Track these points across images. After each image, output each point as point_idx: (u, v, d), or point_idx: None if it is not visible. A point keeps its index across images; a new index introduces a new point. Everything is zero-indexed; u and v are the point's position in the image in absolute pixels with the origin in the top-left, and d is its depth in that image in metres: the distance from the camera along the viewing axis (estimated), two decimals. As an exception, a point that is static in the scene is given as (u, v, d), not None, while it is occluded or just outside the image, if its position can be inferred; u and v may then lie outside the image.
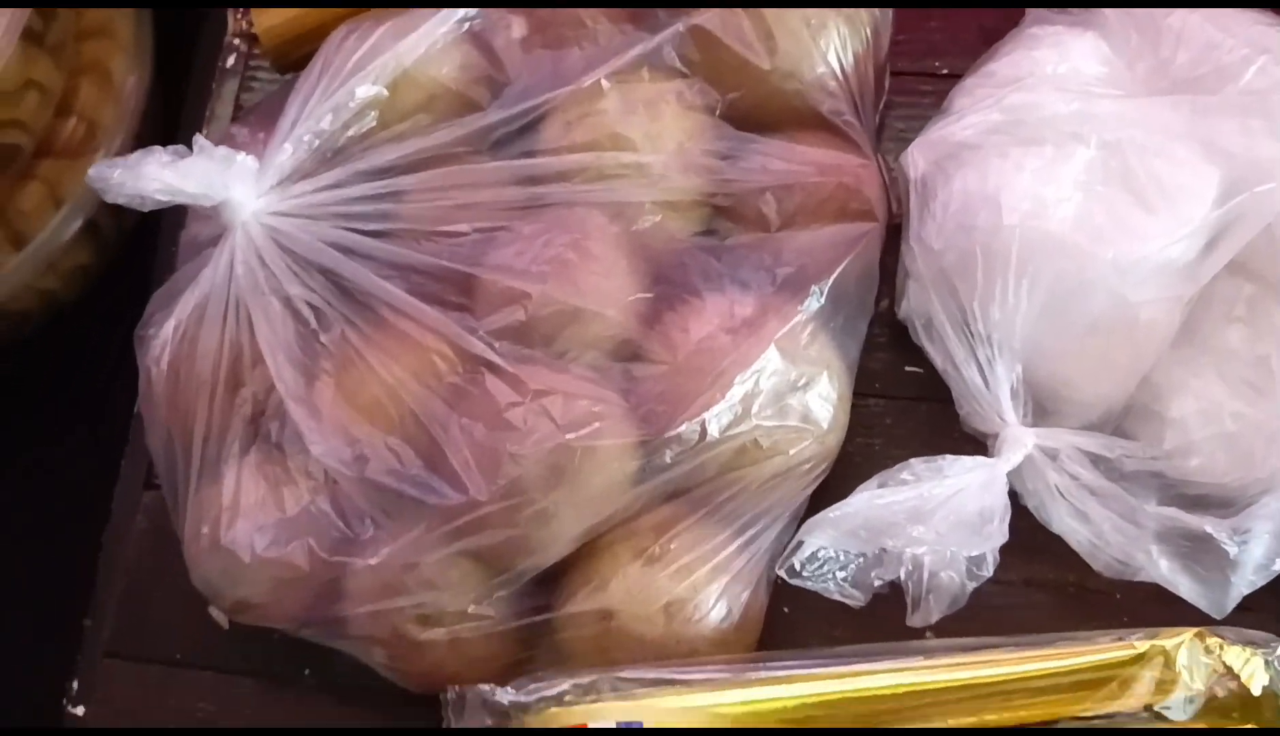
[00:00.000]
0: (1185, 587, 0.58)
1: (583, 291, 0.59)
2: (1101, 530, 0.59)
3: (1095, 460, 0.60)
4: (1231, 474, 0.58)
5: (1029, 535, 0.61)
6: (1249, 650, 0.52)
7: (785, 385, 0.59)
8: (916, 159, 0.62)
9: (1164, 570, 0.58)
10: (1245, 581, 0.56)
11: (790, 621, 0.64)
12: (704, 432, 0.57)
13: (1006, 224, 0.57)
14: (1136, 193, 0.57)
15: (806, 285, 0.61)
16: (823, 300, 0.61)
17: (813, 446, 0.60)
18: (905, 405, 0.67)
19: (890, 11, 0.67)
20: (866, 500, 0.57)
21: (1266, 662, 0.52)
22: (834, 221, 0.62)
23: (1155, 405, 0.61)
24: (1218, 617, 0.57)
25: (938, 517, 0.57)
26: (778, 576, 0.58)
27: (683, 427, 0.57)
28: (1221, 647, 0.52)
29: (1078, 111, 0.58)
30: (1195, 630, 0.53)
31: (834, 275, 0.61)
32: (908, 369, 0.66)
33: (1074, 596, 0.63)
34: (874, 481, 0.59)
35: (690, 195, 0.63)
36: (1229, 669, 0.52)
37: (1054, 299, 0.58)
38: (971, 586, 0.59)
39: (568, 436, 0.56)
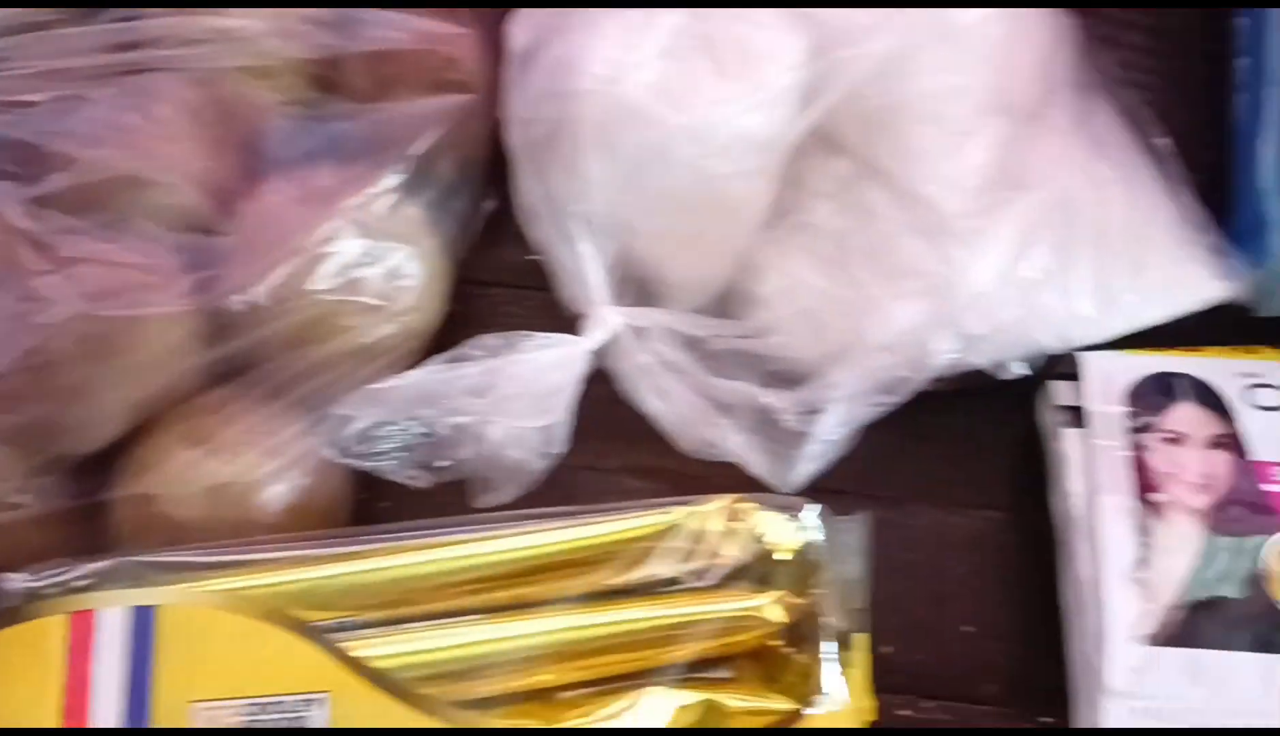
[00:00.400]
0: (756, 463, 0.56)
1: (141, 157, 0.55)
2: (679, 408, 0.56)
3: (689, 342, 0.58)
4: (809, 348, 0.57)
5: (632, 423, 0.59)
6: (780, 516, 0.50)
7: (357, 259, 0.56)
8: (516, 31, 0.59)
9: (736, 446, 0.56)
10: (811, 455, 0.54)
11: (390, 515, 0.60)
12: (260, 305, 0.53)
13: (579, 90, 0.54)
14: (715, 58, 0.55)
15: (390, 157, 0.57)
16: (406, 173, 0.57)
17: (389, 326, 0.57)
18: (524, 295, 0.64)
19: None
20: (425, 374, 0.54)
21: (798, 527, 0.50)
22: (429, 93, 0.58)
23: (750, 285, 0.59)
24: (786, 491, 0.56)
25: (499, 391, 0.54)
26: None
27: (236, 298, 0.54)
28: (752, 514, 0.49)
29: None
30: (732, 497, 0.51)
31: (417, 147, 0.57)
32: (529, 258, 0.63)
33: (670, 481, 0.59)
34: (445, 356, 0.55)
35: (283, 62, 0.60)
36: (758, 536, 0.49)
37: (635, 171, 0.56)
38: (540, 464, 0.56)
39: (102, 306, 0.52)
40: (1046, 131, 0.57)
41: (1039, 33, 0.58)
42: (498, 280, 0.65)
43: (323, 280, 0.55)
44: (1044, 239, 0.55)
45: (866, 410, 0.54)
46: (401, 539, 0.52)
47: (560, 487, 0.57)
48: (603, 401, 0.59)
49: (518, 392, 0.54)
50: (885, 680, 0.53)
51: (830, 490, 0.56)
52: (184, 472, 0.53)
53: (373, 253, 0.56)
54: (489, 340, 0.56)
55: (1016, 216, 0.55)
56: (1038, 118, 0.57)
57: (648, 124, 0.54)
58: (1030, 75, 0.57)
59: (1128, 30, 0.66)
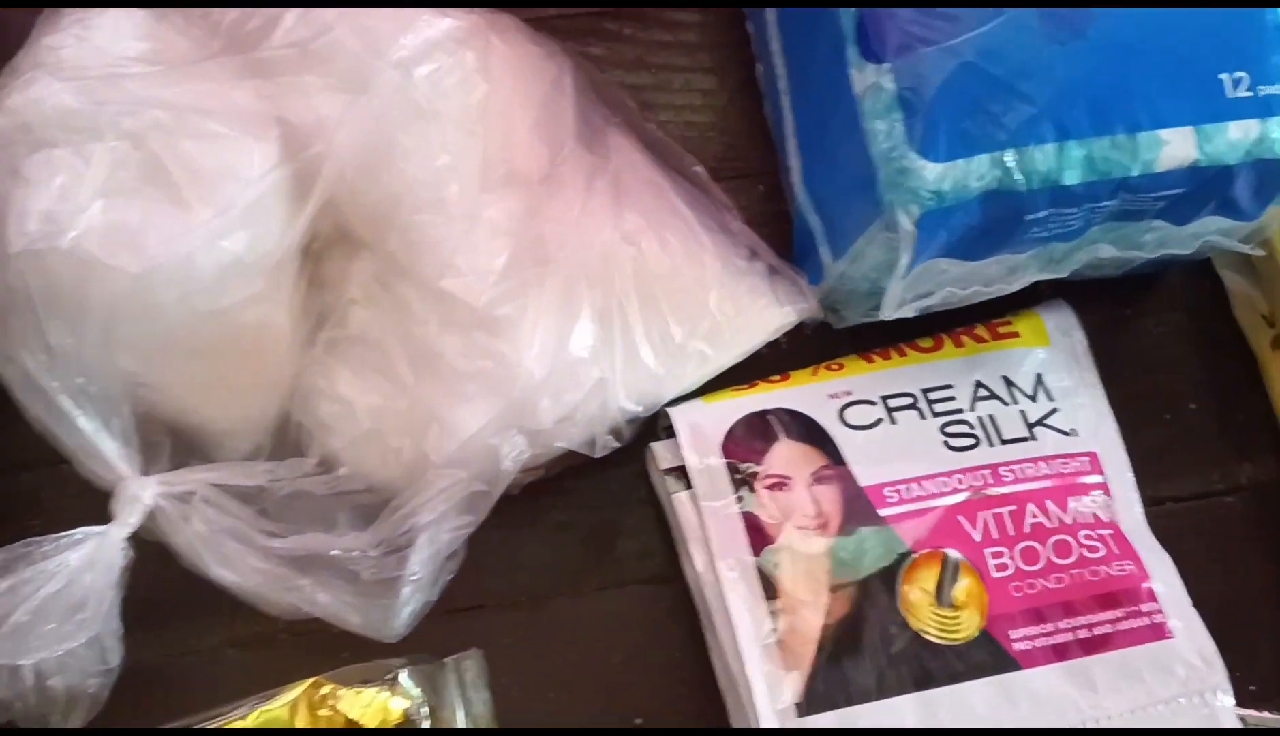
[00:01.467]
0: (353, 621, 0.48)
1: None
2: (248, 575, 0.47)
3: (250, 494, 0.49)
4: (377, 474, 0.49)
5: (220, 592, 0.49)
6: (369, 691, 0.41)
7: None
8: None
9: (324, 605, 0.47)
10: (403, 598, 0.46)
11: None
12: None
13: (13, 252, 0.44)
14: (168, 185, 0.45)
15: None
16: None
17: None
18: (66, 471, 0.53)
19: None
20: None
21: (394, 695, 0.41)
22: None
23: (300, 415, 0.50)
24: (392, 642, 0.47)
25: (15, 618, 0.44)
26: None
27: None
28: (336, 695, 0.41)
29: (92, 102, 0.46)
30: (310, 682, 0.42)
31: None
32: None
33: (290, 645, 0.52)
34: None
35: None
36: (350, 720, 0.41)
37: (111, 326, 0.46)
38: (100, 684, 0.46)
39: None
40: (561, 193, 0.50)
41: (530, 88, 0.51)
42: (27, 461, 0.54)
43: None
44: (582, 311, 0.48)
45: (450, 536, 0.46)
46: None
47: (155, 683, 0.50)
48: (185, 574, 0.49)
49: (39, 615, 0.44)
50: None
51: (464, 608, 0.50)
52: None
53: None
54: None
55: (548, 295, 0.48)
56: (550, 180, 0.50)
57: (105, 276, 0.45)
58: (528, 137, 0.50)
59: (655, 50, 0.61)
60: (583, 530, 0.55)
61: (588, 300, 0.48)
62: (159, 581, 0.49)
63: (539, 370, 0.47)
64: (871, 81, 0.45)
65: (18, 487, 0.55)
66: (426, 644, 0.48)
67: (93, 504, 0.50)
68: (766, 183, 0.59)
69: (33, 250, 0.44)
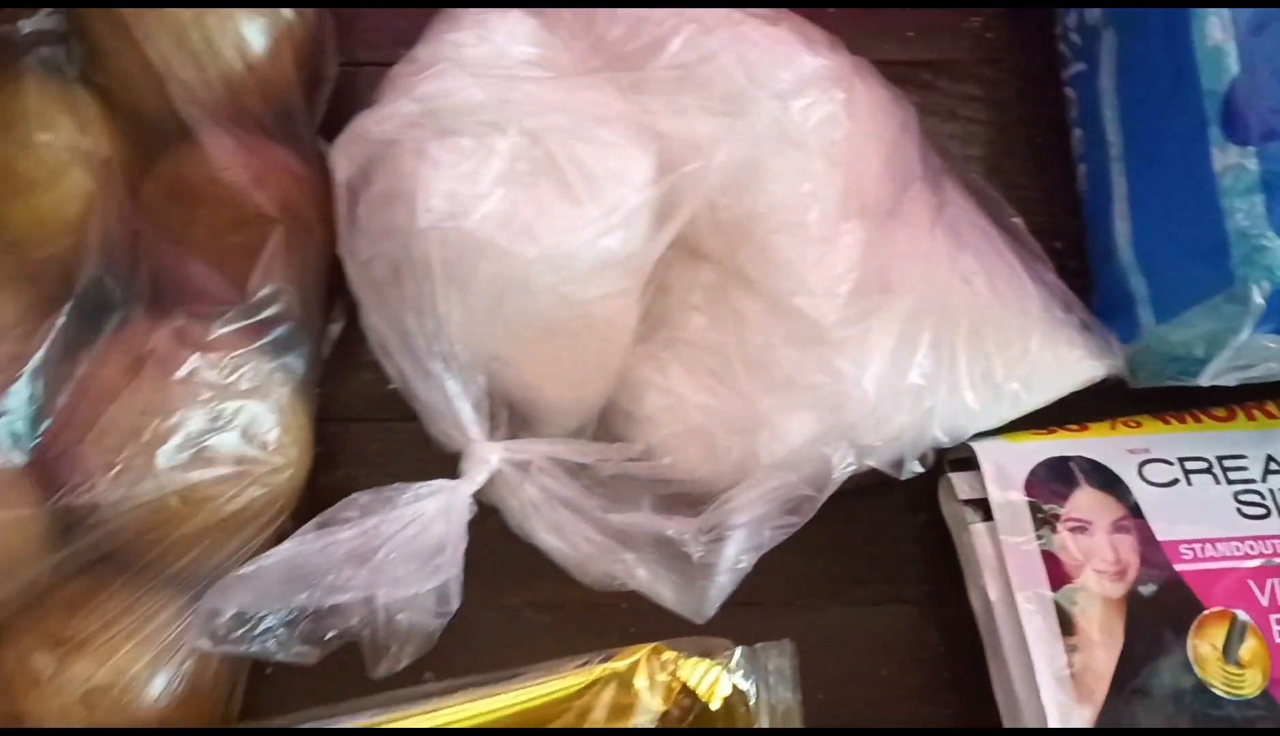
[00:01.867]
0: (667, 596, 0.51)
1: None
2: (577, 543, 0.51)
3: (575, 469, 0.52)
4: (702, 468, 0.52)
5: (528, 554, 0.52)
6: (705, 663, 0.45)
7: (204, 426, 0.48)
8: (340, 160, 0.52)
9: (643, 579, 0.50)
10: (718, 584, 0.49)
11: (275, 681, 0.54)
12: (98, 500, 0.46)
13: (421, 227, 0.48)
14: (561, 182, 0.49)
15: (212, 303, 0.50)
16: (238, 319, 0.50)
17: (254, 490, 0.50)
18: (391, 428, 0.58)
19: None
20: (296, 547, 0.47)
21: (727, 671, 0.44)
22: (234, 230, 0.51)
23: (629, 404, 0.54)
24: (700, 623, 0.50)
25: (381, 556, 0.48)
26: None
27: (75, 496, 0.46)
28: (677, 663, 0.44)
29: (496, 98, 0.50)
30: (651, 646, 0.46)
31: (243, 289, 0.51)
32: (390, 387, 0.56)
33: (580, 613, 0.55)
34: (315, 522, 0.49)
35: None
36: (685, 685, 0.44)
37: (494, 304, 0.50)
38: (438, 624, 0.50)
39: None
40: (904, 229, 0.53)
41: (883, 129, 0.54)
42: (360, 414, 0.59)
43: (170, 457, 0.47)
44: (921, 341, 0.51)
45: (772, 534, 0.49)
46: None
47: (458, 632, 0.51)
48: (493, 536, 0.53)
49: (402, 555, 0.48)
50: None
51: (742, 603, 0.51)
52: (52, 681, 0.45)
53: (221, 415, 0.49)
54: (362, 498, 0.49)
55: (891, 322, 0.51)
56: (894, 216, 0.53)
57: (500, 257, 0.49)
58: (880, 174, 0.53)
59: (966, 103, 0.64)
60: (859, 545, 0.57)
61: (924, 334, 0.50)
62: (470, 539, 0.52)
63: (872, 390, 0.50)
64: (1234, 162, 0.47)
65: (347, 436, 0.58)
66: (706, 630, 0.50)
67: (416, 462, 0.54)
68: (1065, 240, 0.61)
69: (439, 227, 0.48)
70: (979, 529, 0.52)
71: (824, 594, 0.56)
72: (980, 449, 0.52)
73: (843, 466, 0.49)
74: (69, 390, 0.48)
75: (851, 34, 0.56)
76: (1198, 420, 0.54)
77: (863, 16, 0.63)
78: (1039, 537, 0.50)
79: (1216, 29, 0.48)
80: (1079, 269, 0.60)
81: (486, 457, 0.51)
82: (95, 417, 0.47)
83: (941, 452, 0.54)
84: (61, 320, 0.49)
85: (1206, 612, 0.49)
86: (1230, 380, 0.51)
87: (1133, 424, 0.54)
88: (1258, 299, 0.46)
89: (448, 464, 0.53)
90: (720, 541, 0.49)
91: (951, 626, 0.55)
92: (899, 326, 0.50)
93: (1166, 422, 0.54)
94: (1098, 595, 0.49)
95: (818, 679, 0.51)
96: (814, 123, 0.51)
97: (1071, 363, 0.53)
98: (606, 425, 0.55)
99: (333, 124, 0.56)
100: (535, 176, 0.50)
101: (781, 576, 0.54)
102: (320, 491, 0.55)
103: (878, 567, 0.57)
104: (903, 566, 0.57)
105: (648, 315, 0.54)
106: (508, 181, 0.49)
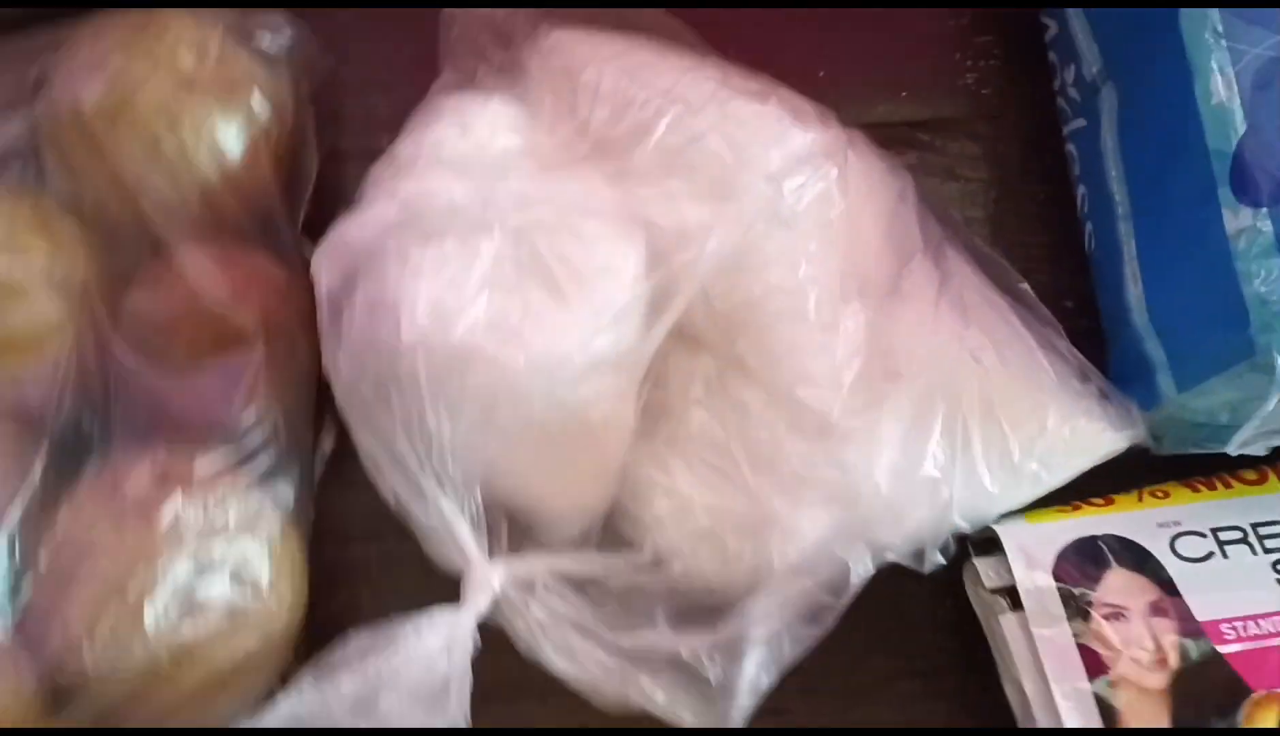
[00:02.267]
0: (687, 719, 0.48)
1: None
2: (589, 667, 0.48)
3: (583, 584, 0.50)
4: (714, 575, 0.49)
5: (538, 678, 0.49)
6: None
7: (191, 574, 0.46)
8: (321, 271, 0.50)
9: (660, 704, 0.48)
10: (739, 707, 0.46)
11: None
12: (85, 669, 0.44)
13: (406, 341, 0.46)
14: (548, 283, 0.47)
15: (196, 435, 0.48)
16: (222, 450, 0.48)
17: (251, 638, 0.47)
18: (391, 546, 0.55)
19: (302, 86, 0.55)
20: (293, 705, 0.45)
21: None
22: (214, 351, 0.49)
23: (634, 506, 0.51)
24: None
25: (383, 704, 0.45)
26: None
27: (62, 665, 0.44)
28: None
29: (480, 197, 0.48)
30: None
31: (224, 415, 0.48)
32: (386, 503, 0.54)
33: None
34: (310, 672, 0.46)
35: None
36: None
37: (485, 415, 0.47)
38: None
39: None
40: (907, 307, 0.51)
41: (880, 202, 0.52)
42: (358, 533, 0.56)
43: (158, 614, 0.45)
44: (933, 428, 0.48)
45: (792, 648, 0.47)
46: None
47: None
48: (504, 650, 0.50)
49: (405, 701, 0.45)
50: None
51: (770, 711, 0.48)
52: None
53: (210, 560, 0.47)
54: (360, 639, 0.47)
55: (900, 409, 0.48)
56: (896, 293, 0.51)
57: (489, 367, 0.46)
58: (879, 249, 0.51)
59: (964, 163, 0.62)
60: (886, 637, 0.55)
61: (935, 420, 0.48)
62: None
63: (885, 484, 0.47)
64: (1247, 224, 0.45)
65: (346, 557, 0.56)
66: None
67: (419, 580, 0.51)
68: (1075, 299, 0.59)
69: (425, 342, 0.46)
70: (1009, 620, 0.49)
71: (854, 694, 0.54)
72: (1004, 533, 0.50)
73: (861, 570, 0.46)
74: (48, 546, 0.45)
75: (842, 96, 0.54)
76: (1228, 485, 0.52)
77: (852, 78, 0.61)
78: (1072, 627, 0.48)
79: (1219, 86, 0.46)
80: (1092, 328, 0.58)
81: (488, 580, 0.48)
82: (77, 574, 0.45)
83: (963, 538, 0.51)
84: (38, 471, 0.46)
85: (1255, 696, 0.47)
86: (1259, 449, 0.48)
87: (1160, 494, 0.52)
88: (1281, 368, 0.43)
89: (452, 580, 0.50)
90: (738, 661, 0.46)
91: (988, 719, 0.52)
92: (909, 413, 0.48)
93: (1195, 490, 0.52)
94: (1137, 685, 0.47)
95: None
96: (807, 202, 0.49)
97: (1092, 436, 0.50)
98: (612, 527, 0.52)
99: (317, 221, 0.54)
100: (522, 278, 0.47)
101: (807, 675, 0.51)
102: (321, 621, 0.53)
103: (908, 661, 0.54)
104: (934, 658, 0.54)
105: (647, 410, 0.51)
106: (494, 285, 0.47)
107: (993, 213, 0.61)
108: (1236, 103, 0.45)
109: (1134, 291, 0.52)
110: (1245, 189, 0.45)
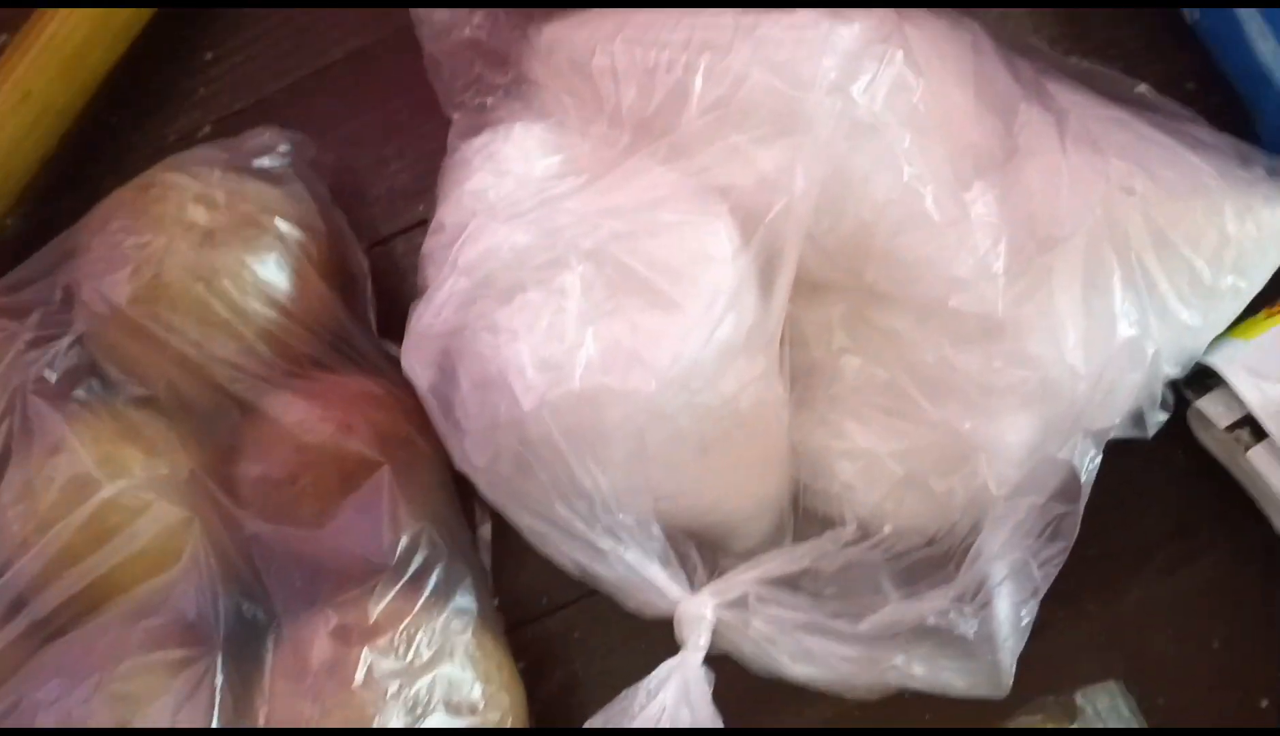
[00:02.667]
0: (957, 685, 0.44)
1: None
2: (834, 665, 0.44)
3: (796, 581, 0.46)
4: (928, 524, 0.45)
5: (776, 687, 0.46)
6: None
7: (406, 720, 0.44)
8: (415, 369, 0.46)
9: (922, 677, 0.43)
10: (1007, 651, 0.42)
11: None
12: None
13: (528, 409, 0.42)
14: (647, 292, 0.43)
15: (359, 581, 0.45)
16: (390, 586, 0.45)
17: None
18: (586, 605, 0.52)
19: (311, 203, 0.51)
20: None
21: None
22: (343, 489, 0.46)
23: (819, 481, 0.47)
24: (1002, 696, 0.43)
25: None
26: None
27: None
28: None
29: (542, 233, 0.44)
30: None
31: (378, 550, 0.45)
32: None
33: (864, 719, 0.49)
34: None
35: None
36: None
37: (636, 449, 0.44)
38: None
39: None
40: (1033, 163, 0.45)
41: (958, 64, 0.46)
42: (549, 605, 0.53)
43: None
44: (1111, 284, 0.43)
45: (1042, 572, 0.42)
46: None
47: None
48: (733, 674, 0.46)
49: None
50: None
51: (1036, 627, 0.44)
52: None
53: (418, 700, 0.44)
54: (595, 722, 0.43)
55: (1069, 276, 0.43)
56: (1018, 152, 0.45)
57: (622, 402, 0.42)
58: (978, 114, 0.45)
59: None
60: (1129, 514, 0.49)
61: (1112, 268, 0.42)
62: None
63: (1081, 363, 0.42)
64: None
65: (548, 632, 0.53)
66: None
67: (628, 634, 0.49)
68: (1196, 80, 0.53)
69: (547, 401, 0.42)
70: (1258, 453, 0.44)
71: (1115, 582, 0.49)
72: (1220, 362, 0.44)
73: (1089, 464, 0.41)
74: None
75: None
76: None
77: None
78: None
79: None
80: (1225, 103, 0.52)
81: (701, 613, 0.44)
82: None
83: (1175, 384, 0.45)
84: (219, 678, 0.43)
85: None
86: None
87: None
88: None
89: (663, 623, 0.46)
90: (989, 605, 0.41)
91: (1268, 560, 0.47)
92: (1080, 277, 0.43)
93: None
94: None
95: (1148, 681, 0.46)
96: (883, 98, 0.43)
97: (1278, 220, 0.44)
98: (805, 511, 0.48)
99: (389, 316, 0.51)
100: (618, 298, 0.43)
101: (1062, 581, 0.47)
102: (545, 700, 0.50)
103: (1159, 529, 0.49)
104: (1184, 517, 0.49)
105: (795, 376, 0.47)
106: (593, 318, 0.43)
107: (1072, 22, 0.54)
108: None
109: (1265, 47, 0.46)
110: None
